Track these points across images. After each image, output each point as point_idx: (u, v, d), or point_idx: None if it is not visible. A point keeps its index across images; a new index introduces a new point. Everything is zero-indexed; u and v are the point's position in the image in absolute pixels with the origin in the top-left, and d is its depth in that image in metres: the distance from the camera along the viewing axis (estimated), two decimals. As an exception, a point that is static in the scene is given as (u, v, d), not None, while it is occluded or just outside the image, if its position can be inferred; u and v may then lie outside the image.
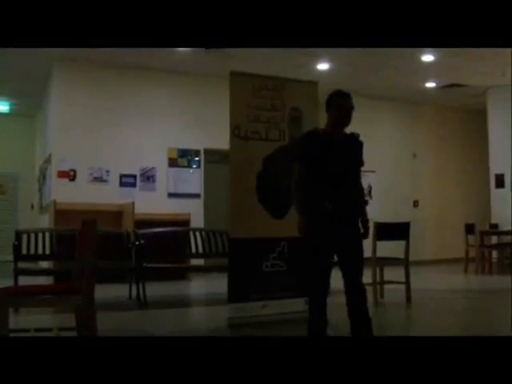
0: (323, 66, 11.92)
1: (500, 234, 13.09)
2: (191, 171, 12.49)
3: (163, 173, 12.18)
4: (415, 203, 15.41)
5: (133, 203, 10.64)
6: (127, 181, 11.90)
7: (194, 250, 9.00)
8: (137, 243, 8.40)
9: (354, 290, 4.88)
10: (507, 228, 12.51)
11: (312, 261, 4.88)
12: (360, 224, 4.91)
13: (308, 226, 4.78)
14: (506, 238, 12.60)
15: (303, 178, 4.84)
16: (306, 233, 4.82)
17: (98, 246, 4.79)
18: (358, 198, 4.95)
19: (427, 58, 11.53)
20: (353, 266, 4.91)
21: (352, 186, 4.85)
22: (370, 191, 14.66)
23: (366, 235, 4.97)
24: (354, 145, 4.99)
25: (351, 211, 4.82)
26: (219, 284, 7.60)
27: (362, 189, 5.06)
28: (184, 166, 12.43)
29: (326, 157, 4.76)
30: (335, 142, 4.84)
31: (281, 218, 6.56)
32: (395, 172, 15.07)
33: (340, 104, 4.88)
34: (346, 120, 4.92)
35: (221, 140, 8.71)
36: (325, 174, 4.74)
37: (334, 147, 4.81)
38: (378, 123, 14.96)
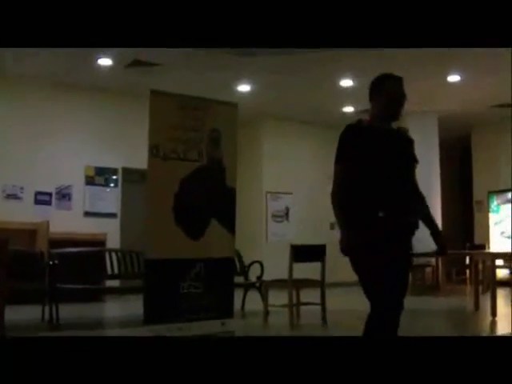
0: (244, 88, 11.98)
1: (412, 256, 13.32)
2: (108, 190, 12.30)
3: (79, 191, 11.96)
4: (332, 225, 15.58)
5: (47, 222, 10.39)
6: (42, 198, 11.62)
7: (109, 271, 8.84)
8: (51, 263, 8.18)
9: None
10: (421, 251, 12.78)
11: (374, 286, 3.88)
12: (433, 239, 4.05)
13: (355, 243, 3.81)
14: (419, 261, 12.88)
15: (345, 182, 3.89)
16: (352, 253, 3.89)
17: (9, 266, 4.65)
18: (415, 205, 3.98)
19: (346, 82, 11.76)
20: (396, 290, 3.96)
21: (407, 191, 3.92)
22: (287, 213, 14.80)
23: (443, 251, 4.10)
24: (404, 141, 4.05)
25: (408, 222, 3.89)
26: (135, 306, 7.47)
27: (420, 194, 4.08)
28: (101, 185, 12.24)
29: (374, 155, 3.82)
30: (383, 137, 3.91)
31: (197, 239, 6.52)
32: (312, 194, 15.22)
33: (393, 90, 3.94)
34: (399, 111, 3.95)
35: (139, 159, 8.62)
36: (374, 176, 3.80)
37: (383, 143, 3.89)
38: (296, 146, 15.12)
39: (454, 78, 11.28)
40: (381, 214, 3.75)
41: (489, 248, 13.31)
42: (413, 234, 3.94)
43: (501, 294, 10.59)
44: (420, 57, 9.29)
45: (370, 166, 3.81)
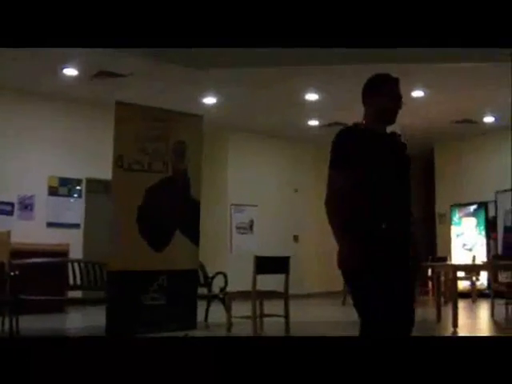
0: (210, 100, 12.00)
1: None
2: (72, 201, 12.21)
3: (42, 201, 11.83)
4: (296, 237, 15.67)
5: (8, 232, 10.25)
6: (4, 208, 11.47)
7: (71, 282, 8.75)
8: (12, 274, 8.09)
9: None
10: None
11: (368, 313, 3.44)
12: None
13: (354, 257, 3.40)
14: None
15: (340, 191, 3.54)
16: (351, 267, 3.44)
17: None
18: (412, 214, 3.70)
19: (311, 96, 11.84)
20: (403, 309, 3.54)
21: (407, 199, 3.65)
22: (251, 225, 14.82)
23: (415, 264, 3.76)
24: (400, 146, 3.78)
25: (409, 232, 3.61)
26: (97, 317, 7.42)
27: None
28: (65, 195, 12.13)
29: (373, 160, 3.53)
30: (381, 141, 3.64)
31: (161, 251, 6.51)
32: (277, 207, 15.27)
33: (392, 91, 3.67)
34: (396, 113, 3.70)
35: (104, 170, 8.57)
36: (374, 182, 3.50)
37: (382, 147, 3.61)
38: (261, 158, 15.17)
39: (418, 94, 11.42)
40: (383, 226, 3.46)
41: (450, 260, 13.46)
42: (413, 245, 3.65)
43: (462, 306, 10.74)
44: (385, 71, 9.40)
45: (370, 171, 3.51)
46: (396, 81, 3.71)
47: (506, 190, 14.10)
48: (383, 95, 3.64)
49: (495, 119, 13.93)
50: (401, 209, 3.56)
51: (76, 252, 11.11)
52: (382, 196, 3.49)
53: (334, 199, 3.58)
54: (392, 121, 3.68)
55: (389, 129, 3.74)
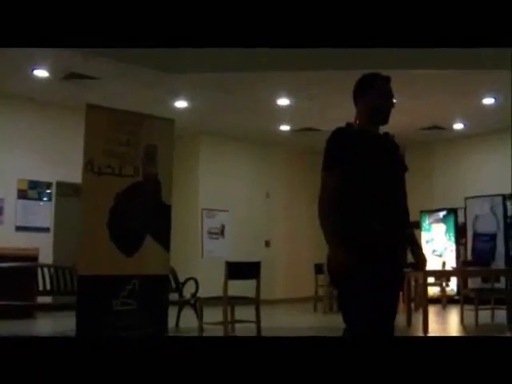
0: (181, 104, 11.96)
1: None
2: (42, 204, 12.08)
3: (11, 205, 11.68)
4: (267, 243, 15.67)
5: (-24, 236, 10.14)
6: (-28, 212, 11.34)
7: (41, 287, 8.65)
8: (-21, 279, 7.98)
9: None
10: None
11: (358, 317, 3.37)
12: (411, 252, 3.68)
13: (349, 262, 3.30)
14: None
15: (334, 193, 3.45)
16: (346, 272, 3.32)
17: None
18: (407, 216, 3.67)
19: (283, 101, 11.86)
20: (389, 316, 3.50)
21: (402, 201, 3.61)
22: (222, 230, 14.80)
23: (422, 266, 3.69)
24: (395, 147, 3.71)
25: (403, 235, 3.56)
26: (67, 323, 7.34)
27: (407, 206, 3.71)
28: (34, 199, 12.00)
29: (368, 161, 3.46)
30: (374, 141, 3.58)
31: (132, 256, 6.46)
32: (248, 211, 15.26)
33: (385, 90, 3.60)
34: (389, 113, 3.61)
35: (74, 173, 8.51)
36: (369, 184, 3.42)
37: (374, 148, 3.54)
38: (233, 163, 15.16)
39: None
40: (377, 228, 3.37)
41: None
42: (406, 249, 3.60)
43: (432, 311, 10.82)
44: (355, 78, 9.46)
45: (363, 172, 3.43)
46: (387, 79, 3.63)
47: (475, 197, 14.26)
48: (374, 94, 3.56)
49: (464, 126, 14.08)
50: (395, 211, 3.49)
51: (46, 256, 11.00)
52: (376, 198, 3.42)
53: (326, 201, 3.49)
54: (385, 120, 3.60)
55: (381, 129, 3.69)
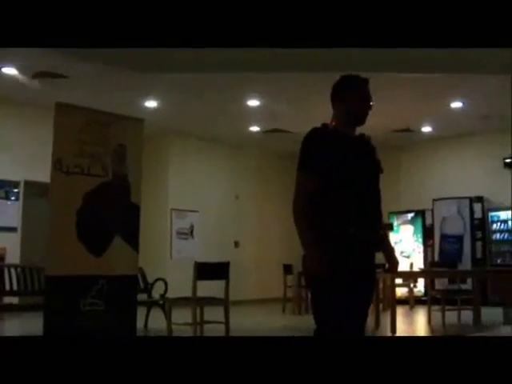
0: (151, 104, 11.92)
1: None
2: (9, 203, 11.95)
3: (-22, 204, 11.56)
4: (236, 243, 15.67)
5: None
6: None
7: (8, 287, 8.56)
8: None
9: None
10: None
11: (329, 318, 3.38)
12: (384, 255, 3.69)
13: (324, 264, 3.29)
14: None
15: (309, 194, 3.42)
16: (317, 273, 3.32)
17: None
18: (381, 218, 3.63)
19: (253, 102, 11.87)
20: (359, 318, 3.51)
21: (377, 203, 3.56)
22: (191, 231, 14.77)
23: (394, 268, 3.71)
24: (371, 149, 3.69)
25: (376, 238, 3.54)
26: (34, 324, 7.27)
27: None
28: (1, 198, 11.87)
29: (343, 162, 3.43)
30: (351, 143, 3.56)
31: (100, 256, 6.43)
32: (218, 212, 15.26)
33: (363, 91, 3.60)
34: (367, 114, 3.62)
35: (42, 172, 8.43)
36: (343, 185, 3.41)
37: (352, 149, 3.52)
38: (202, 164, 15.14)
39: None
40: (351, 231, 3.35)
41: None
42: (378, 251, 3.58)
43: (400, 312, 10.90)
44: (326, 80, 9.51)
45: (339, 174, 3.40)
46: (365, 81, 3.63)
47: (442, 199, 14.42)
48: (354, 97, 3.55)
49: (432, 129, 14.22)
50: (369, 213, 3.47)
51: (13, 256, 10.90)
52: (350, 199, 3.40)
53: (300, 201, 3.45)
54: (361, 122, 3.60)
55: (357, 131, 3.68)
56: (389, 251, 3.69)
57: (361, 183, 3.45)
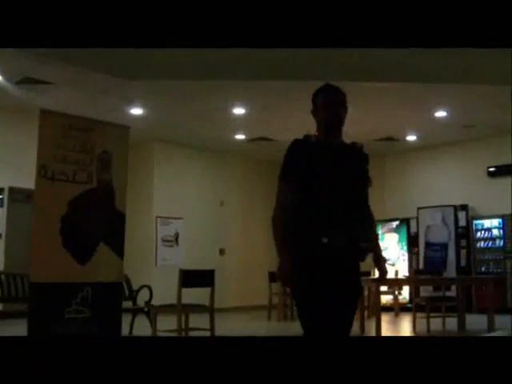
0: (137, 111, 11.91)
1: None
2: (-7, 210, 11.90)
3: (-39, 211, 11.49)
4: (221, 251, 15.66)
5: None
6: None
7: (-9, 294, 8.53)
8: None
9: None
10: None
11: (309, 326, 3.45)
12: (374, 264, 3.74)
13: (294, 272, 3.40)
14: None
15: (288, 203, 3.50)
16: (291, 283, 3.50)
17: None
18: (365, 229, 3.59)
19: (238, 110, 11.89)
20: (341, 325, 3.52)
21: (357, 213, 3.52)
22: (177, 238, 14.75)
23: (382, 278, 3.76)
24: (357, 157, 3.67)
25: (355, 248, 3.50)
26: (18, 330, 7.22)
27: (371, 217, 3.72)
28: (-15, 205, 11.82)
29: (319, 171, 3.47)
30: (331, 153, 3.56)
31: (85, 263, 6.40)
32: (203, 219, 15.24)
33: (326, 102, 3.59)
34: (334, 121, 3.59)
35: (27, 179, 8.38)
36: (318, 195, 3.45)
37: (330, 159, 3.53)
38: (187, 171, 15.13)
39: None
40: (324, 241, 3.37)
41: (374, 274, 13.70)
42: (362, 261, 3.54)
43: (385, 319, 10.94)
44: (312, 89, 9.56)
45: (315, 183, 3.44)
46: (331, 88, 3.64)
47: (427, 207, 14.48)
48: (319, 107, 3.61)
49: (417, 138, 14.31)
50: (347, 223, 3.44)
51: (-4, 263, 10.83)
52: (325, 209, 3.41)
53: (278, 210, 3.55)
54: (334, 129, 3.60)
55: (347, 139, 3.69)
56: (379, 261, 3.72)
57: (338, 193, 3.46)
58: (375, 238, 3.83)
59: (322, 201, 3.43)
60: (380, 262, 3.73)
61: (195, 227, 14.96)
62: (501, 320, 9.78)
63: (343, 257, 3.43)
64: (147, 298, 9.95)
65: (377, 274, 3.83)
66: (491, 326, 9.51)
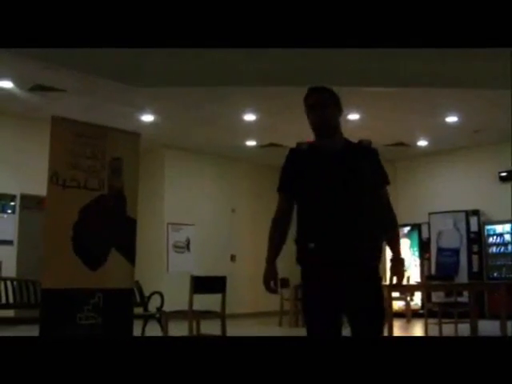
0: (148, 118, 11.94)
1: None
2: (5, 216, 11.94)
3: (-26, 218, 11.55)
4: (232, 257, 15.66)
5: None
6: None
7: (3, 300, 8.55)
8: None
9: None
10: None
11: (307, 331, 3.44)
12: (391, 267, 3.67)
13: (271, 282, 3.67)
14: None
15: (279, 216, 3.60)
16: (272, 290, 3.68)
17: None
18: (372, 233, 3.49)
19: (249, 117, 11.90)
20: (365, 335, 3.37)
21: (358, 217, 3.38)
22: (188, 244, 14.76)
23: (399, 283, 3.68)
24: (361, 156, 3.54)
25: (356, 254, 3.37)
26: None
27: (386, 218, 3.69)
28: (-3, 211, 11.88)
29: (310, 179, 3.44)
30: (326, 156, 3.47)
31: (96, 269, 6.42)
32: (214, 226, 15.25)
33: (308, 105, 3.56)
34: (319, 125, 3.52)
35: (39, 186, 8.42)
36: (306, 201, 3.45)
37: (324, 163, 3.45)
38: (198, 178, 15.15)
39: (353, 117, 11.59)
40: (311, 246, 3.35)
41: (385, 281, 13.67)
42: (369, 267, 3.46)
43: (397, 325, 10.90)
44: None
45: (307, 191, 3.43)
46: (311, 90, 3.59)
47: (438, 212, 14.44)
48: (306, 111, 3.59)
49: (428, 143, 14.27)
50: (342, 228, 3.33)
51: (9, 269, 10.88)
52: (316, 215, 3.38)
53: (272, 220, 3.68)
54: (323, 133, 3.54)
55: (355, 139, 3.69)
56: (397, 265, 3.67)
57: (334, 196, 3.37)
58: (394, 240, 3.75)
59: (313, 207, 3.41)
60: (398, 264, 3.65)
61: (206, 233, 14.97)
62: (513, 326, 9.73)
63: (340, 263, 3.33)
64: (158, 305, 9.96)
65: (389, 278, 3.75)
66: (504, 332, 9.46)
